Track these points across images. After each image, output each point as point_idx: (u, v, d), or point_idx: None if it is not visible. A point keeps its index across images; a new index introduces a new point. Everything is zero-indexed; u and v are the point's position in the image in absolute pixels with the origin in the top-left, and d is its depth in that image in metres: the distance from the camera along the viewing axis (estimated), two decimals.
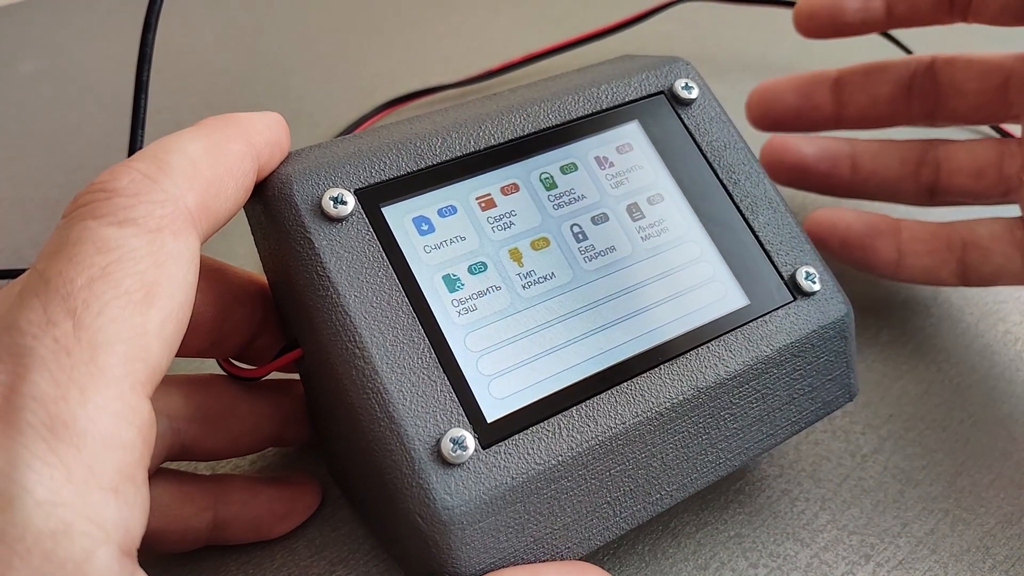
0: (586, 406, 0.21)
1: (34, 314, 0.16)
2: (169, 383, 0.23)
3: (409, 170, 0.22)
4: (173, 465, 0.25)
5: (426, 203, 0.22)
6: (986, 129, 0.42)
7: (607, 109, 0.25)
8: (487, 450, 0.20)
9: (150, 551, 0.24)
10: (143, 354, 0.16)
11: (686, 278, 0.23)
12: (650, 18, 0.47)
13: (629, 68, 0.26)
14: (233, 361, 0.24)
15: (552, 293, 0.22)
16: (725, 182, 0.25)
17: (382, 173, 0.22)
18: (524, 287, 0.22)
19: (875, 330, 0.33)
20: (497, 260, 0.22)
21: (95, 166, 0.39)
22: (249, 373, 0.24)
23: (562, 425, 0.20)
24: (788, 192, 0.38)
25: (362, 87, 0.45)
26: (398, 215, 0.21)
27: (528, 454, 0.20)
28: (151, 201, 0.17)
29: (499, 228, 0.22)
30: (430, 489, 0.19)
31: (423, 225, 0.22)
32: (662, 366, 0.22)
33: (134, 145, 0.28)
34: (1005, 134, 0.40)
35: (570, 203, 0.23)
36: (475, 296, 0.21)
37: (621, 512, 0.21)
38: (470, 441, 0.19)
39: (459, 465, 0.19)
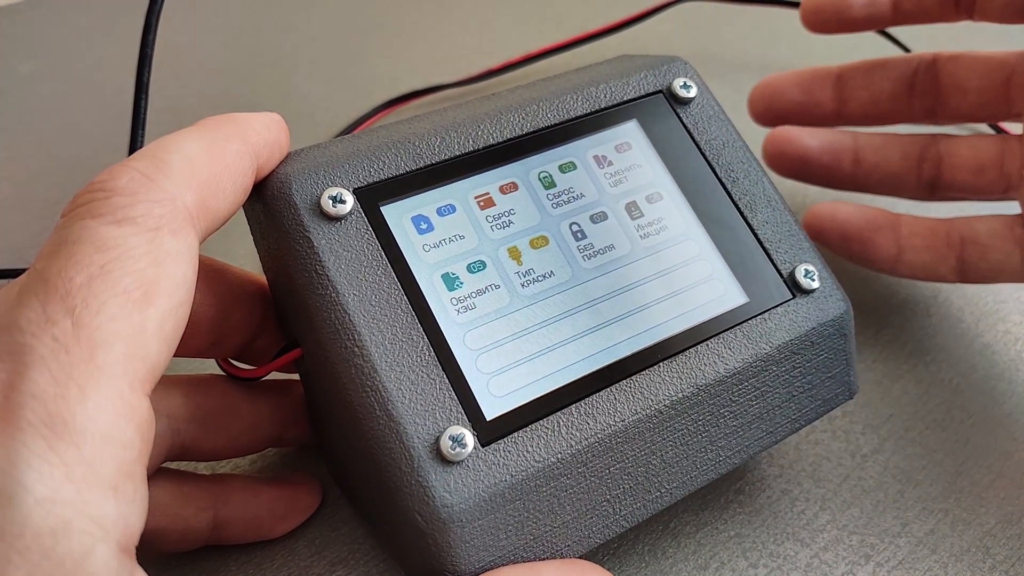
0: (585, 404, 0.21)
1: (33, 313, 0.16)
2: (169, 383, 0.23)
3: (408, 169, 0.22)
4: (173, 465, 0.25)
5: (425, 202, 0.22)
6: (984, 129, 0.42)
7: (606, 108, 0.25)
8: (486, 448, 0.20)
9: (150, 550, 0.24)
10: (142, 352, 0.16)
11: (685, 276, 0.23)
12: (650, 18, 0.47)
13: (627, 67, 0.26)
14: (233, 361, 0.24)
15: (551, 291, 0.22)
16: (724, 180, 0.25)
17: (381, 172, 0.22)
18: (523, 285, 0.22)
19: (875, 330, 0.33)
20: (496, 259, 0.22)
21: (95, 166, 0.39)
22: (249, 373, 0.24)
23: (561, 423, 0.20)
24: (787, 190, 0.38)
25: (362, 87, 0.45)
26: (397, 214, 0.21)
27: (527, 452, 0.20)
28: (150, 200, 0.17)
29: (498, 227, 0.22)
30: (429, 487, 0.19)
31: (422, 224, 0.22)
32: (661, 364, 0.22)
33: (134, 145, 0.28)
34: (1003, 133, 0.40)
35: (569, 202, 0.23)
36: (474, 294, 0.21)
37: (620, 510, 0.21)
38: (469, 439, 0.19)
39: (458, 463, 0.19)
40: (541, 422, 0.20)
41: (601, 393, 0.21)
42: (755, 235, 0.24)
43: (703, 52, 0.48)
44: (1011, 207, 0.32)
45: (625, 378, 0.21)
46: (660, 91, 0.25)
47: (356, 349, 0.20)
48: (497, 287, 0.22)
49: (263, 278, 0.24)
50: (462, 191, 0.22)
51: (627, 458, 0.21)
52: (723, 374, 0.22)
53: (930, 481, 0.28)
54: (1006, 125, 0.40)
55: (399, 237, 0.21)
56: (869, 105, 0.33)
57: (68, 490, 0.15)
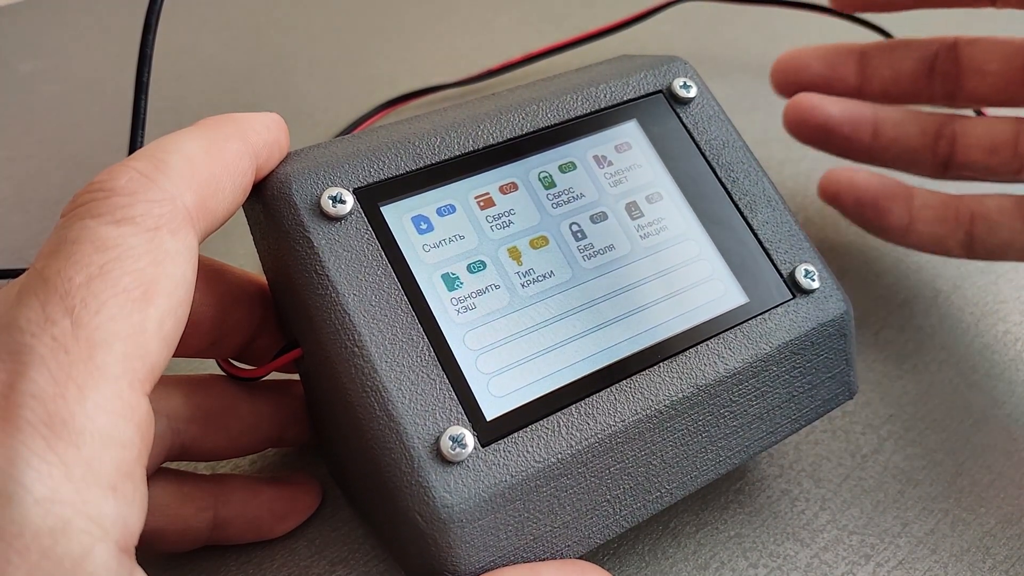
0: (585, 404, 0.21)
1: (33, 312, 0.16)
2: (169, 383, 0.23)
3: (408, 169, 0.22)
4: (173, 465, 0.25)
5: (425, 202, 0.22)
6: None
7: (605, 108, 0.25)
8: (486, 448, 0.20)
9: (150, 550, 0.24)
10: (141, 352, 0.16)
11: (685, 276, 0.23)
12: (650, 18, 0.47)
13: (627, 67, 0.26)
14: (232, 361, 0.24)
15: (551, 291, 0.22)
16: (724, 180, 0.25)
17: (381, 172, 0.22)
18: (523, 285, 0.22)
19: (875, 330, 0.33)
20: (496, 259, 0.22)
21: (95, 166, 0.39)
22: (249, 373, 0.24)
23: (561, 423, 0.20)
24: (787, 191, 0.38)
25: (362, 87, 0.45)
26: (397, 214, 0.21)
27: (527, 452, 0.20)
28: (149, 200, 0.17)
29: (498, 227, 0.22)
30: (429, 487, 0.19)
31: (422, 224, 0.22)
32: (661, 364, 0.22)
33: (134, 145, 0.28)
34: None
35: (569, 202, 0.23)
36: (474, 295, 0.21)
37: (621, 510, 0.21)
38: (469, 439, 0.19)
39: (458, 463, 0.19)
40: (541, 422, 0.20)
41: (601, 393, 0.21)
42: (755, 235, 0.24)
43: (703, 52, 0.48)
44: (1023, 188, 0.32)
45: (625, 378, 0.21)
46: (660, 91, 0.25)
47: (356, 349, 0.20)
48: (497, 287, 0.22)
49: (263, 278, 0.24)
50: (462, 191, 0.22)
51: (627, 458, 0.21)
52: (723, 374, 0.22)
53: (930, 481, 0.28)
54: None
55: (399, 237, 0.21)
56: (890, 83, 0.34)
57: (67, 490, 0.15)
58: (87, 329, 0.16)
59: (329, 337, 0.20)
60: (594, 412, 0.21)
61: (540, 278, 0.22)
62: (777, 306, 0.24)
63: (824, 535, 0.26)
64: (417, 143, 0.22)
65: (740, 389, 0.23)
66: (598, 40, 0.46)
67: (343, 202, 0.21)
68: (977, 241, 0.31)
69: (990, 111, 0.36)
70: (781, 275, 0.24)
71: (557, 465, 0.20)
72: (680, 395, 0.22)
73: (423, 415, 0.19)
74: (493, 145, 0.23)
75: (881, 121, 0.33)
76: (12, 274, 0.32)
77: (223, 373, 0.24)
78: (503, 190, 0.23)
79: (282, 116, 0.22)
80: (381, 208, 0.21)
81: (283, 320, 0.23)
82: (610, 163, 0.24)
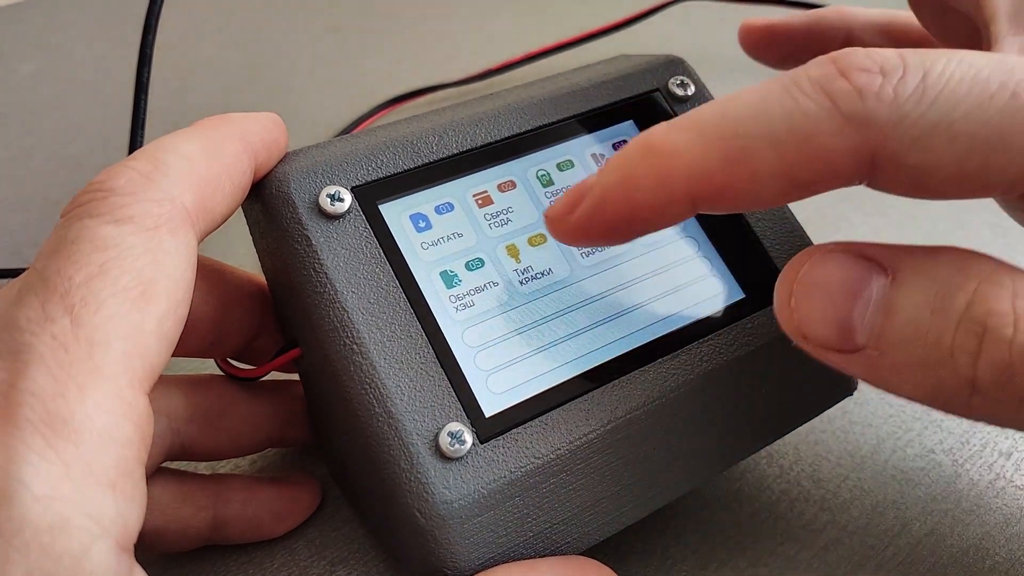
0: (584, 400, 0.21)
1: (33, 311, 0.16)
2: (168, 383, 0.23)
3: (406, 168, 0.22)
4: (173, 465, 0.25)
5: (423, 200, 0.22)
6: None
7: (603, 107, 0.25)
8: (485, 444, 0.20)
9: (150, 550, 0.24)
10: (141, 351, 0.16)
11: (683, 273, 0.23)
12: (649, 18, 0.47)
13: (625, 67, 0.26)
14: (232, 361, 0.24)
15: (549, 289, 0.22)
16: None
17: (379, 171, 0.22)
18: (521, 283, 0.22)
19: None
20: (494, 256, 0.22)
21: (95, 166, 0.39)
22: (248, 373, 0.24)
23: (560, 419, 0.20)
24: None
25: (361, 86, 0.45)
26: (395, 212, 0.22)
27: (526, 448, 0.20)
28: (148, 200, 0.18)
29: (496, 224, 0.22)
30: (428, 484, 0.19)
31: (420, 222, 0.22)
32: (660, 360, 0.22)
33: (134, 145, 0.28)
34: None
35: None
36: (473, 292, 0.21)
37: (620, 507, 0.21)
38: (468, 435, 0.19)
39: (457, 459, 0.19)
40: (540, 418, 0.20)
41: (601, 389, 0.21)
42: (753, 231, 0.24)
43: (703, 52, 0.48)
44: None
45: (624, 374, 0.21)
46: (657, 90, 0.25)
47: (355, 347, 0.20)
48: (495, 284, 0.22)
49: (262, 278, 0.24)
50: (460, 189, 0.22)
51: (626, 455, 0.21)
52: (723, 369, 0.22)
53: (930, 481, 0.28)
54: None
55: (397, 235, 0.21)
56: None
57: (67, 487, 0.15)
58: (87, 328, 0.16)
59: (328, 335, 0.20)
60: (593, 408, 0.21)
61: (538, 275, 0.22)
62: None
63: (824, 535, 0.26)
64: (415, 141, 0.22)
65: (740, 384, 0.23)
66: (598, 40, 0.46)
67: (341, 200, 0.21)
68: None
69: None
70: (779, 271, 0.24)
71: (556, 461, 0.20)
72: (680, 391, 0.22)
73: (422, 412, 0.19)
74: (491, 143, 0.23)
75: (855, 33, 0.32)
76: (12, 274, 0.32)
77: (223, 373, 0.24)
78: (501, 188, 0.23)
79: (281, 116, 0.22)
80: (379, 206, 0.21)
81: (282, 319, 0.23)
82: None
